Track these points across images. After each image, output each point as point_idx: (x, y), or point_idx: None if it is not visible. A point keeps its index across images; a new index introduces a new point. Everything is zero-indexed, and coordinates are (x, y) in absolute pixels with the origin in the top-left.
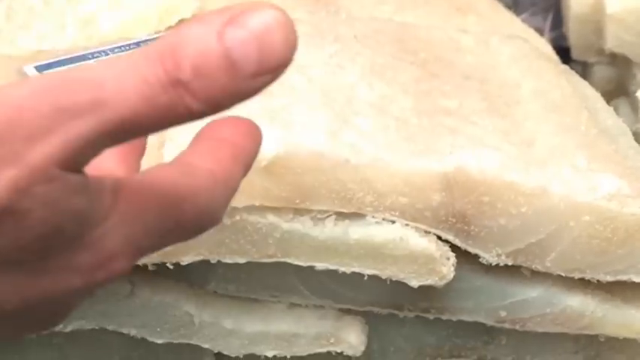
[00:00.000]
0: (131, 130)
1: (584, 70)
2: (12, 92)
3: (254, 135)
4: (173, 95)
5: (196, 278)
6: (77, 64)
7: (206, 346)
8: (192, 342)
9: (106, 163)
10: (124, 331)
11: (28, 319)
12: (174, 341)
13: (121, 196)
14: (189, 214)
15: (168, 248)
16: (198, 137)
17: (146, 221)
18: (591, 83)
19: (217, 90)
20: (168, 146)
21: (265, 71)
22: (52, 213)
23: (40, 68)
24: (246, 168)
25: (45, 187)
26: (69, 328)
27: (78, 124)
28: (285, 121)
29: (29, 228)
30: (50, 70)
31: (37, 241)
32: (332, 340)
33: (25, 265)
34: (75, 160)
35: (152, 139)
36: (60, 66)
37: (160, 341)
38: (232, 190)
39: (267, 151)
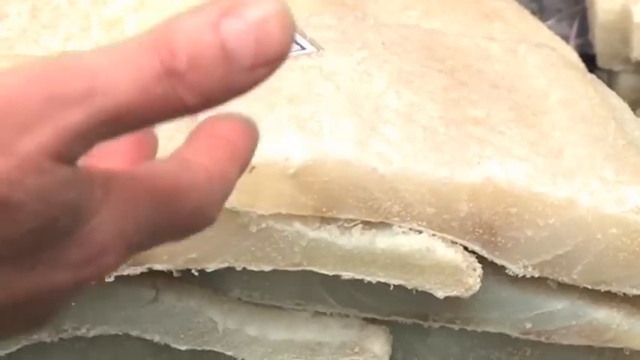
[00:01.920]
0: (125, 121)
1: (609, 78)
2: (1, 81)
3: (252, 134)
4: (168, 86)
5: (221, 285)
6: None
7: (229, 353)
8: (215, 349)
9: (113, 163)
10: (148, 337)
11: (14, 317)
12: (198, 348)
13: (112, 190)
14: (183, 212)
15: (193, 255)
16: (195, 133)
17: (138, 217)
18: (616, 92)
19: (213, 82)
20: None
21: (262, 64)
22: (44, 206)
23: None
24: (242, 168)
25: (37, 179)
26: (92, 334)
27: (70, 114)
28: (313, 129)
29: (21, 221)
30: None
31: (29, 236)
32: (356, 350)
33: (15, 260)
34: (67, 151)
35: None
36: None
37: (183, 348)
38: (228, 190)
39: (295, 159)
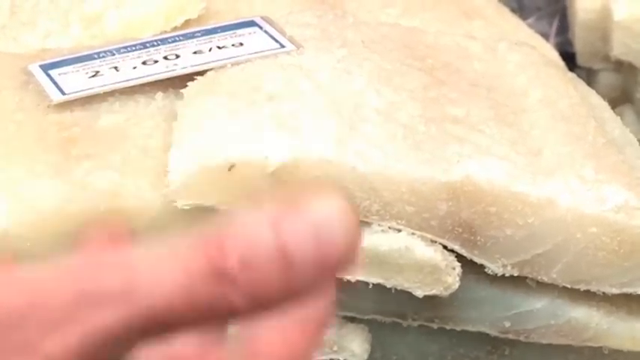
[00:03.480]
0: (163, 324)
1: (588, 76)
2: (33, 274)
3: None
4: (215, 288)
5: None
6: (83, 63)
7: None
8: None
9: None
10: None
11: None
12: None
13: None
14: None
15: None
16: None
17: None
18: (596, 90)
19: (266, 286)
20: (174, 150)
21: (323, 268)
22: None
23: (45, 67)
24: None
25: None
26: None
27: (103, 313)
28: (292, 128)
29: None
30: (56, 70)
31: None
32: (335, 348)
33: None
34: (97, 353)
35: (157, 143)
36: (65, 65)
37: None
38: None
39: (275, 158)
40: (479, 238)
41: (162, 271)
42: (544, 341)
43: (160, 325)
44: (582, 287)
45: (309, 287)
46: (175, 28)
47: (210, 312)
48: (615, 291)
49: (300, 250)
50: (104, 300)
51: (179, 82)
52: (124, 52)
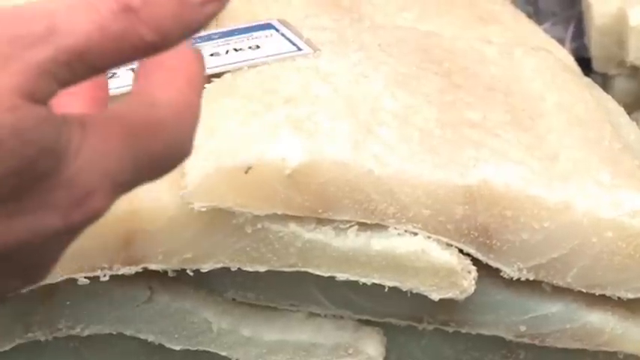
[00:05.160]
0: (87, 59)
1: (604, 81)
2: None
3: (199, 58)
4: (125, 22)
5: (216, 285)
6: None
7: (223, 353)
8: (209, 349)
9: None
10: (142, 336)
11: (9, 268)
12: (192, 348)
13: (89, 131)
14: (160, 145)
15: (189, 255)
16: (145, 68)
17: (119, 155)
18: (612, 95)
19: (167, 18)
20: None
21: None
22: (21, 143)
23: None
24: (202, 94)
25: (10, 116)
26: (86, 333)
27: (35, 52)
28: (309, 131)
29: (0, 161)
30: None
31: (10, 177)
32: (350, 351)
33: (1, 204)
34: (37, 88)
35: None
36: None
37: (177, 348)
38: (196, 119)
39: (292, 160)
40: (495, 241)
41: (76, 13)
42: (559, 345)
43: (83, 61)
44: (597, 292)
45: (202, 18)
46: None
47: (124, 46)
48: (630, 296)
49: None
50: (33, 41)
51: None
52: None
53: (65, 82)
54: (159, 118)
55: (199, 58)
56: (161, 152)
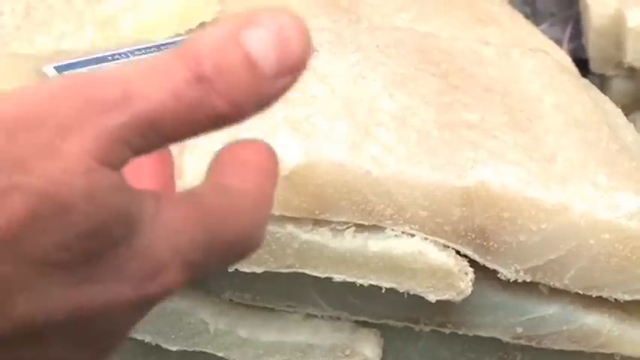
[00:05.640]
0: (161, 128)
1: (602, 82)
2: (44, 86)
3: (273, 154)
4: (199, 92)
5: (213, 286)
6: (97, 65)
7: (220, 354)
8: (206, 350)
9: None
10: (139, 337)
11: (83, 334)
12: (189, 349)
13: (163, 206)
14: (234, 234)
15: None
16: (220, 159)
17: (192, 234)
18: (609, 96)
19: (240, 89)
20: (187, 157)
21: (286, 70)
22: (95, 208)
23: (59, 69)
24: (275, 186)
25: (85, 180)
26: None
27: (110, 117)
28: (307, 132)
29: (74, 224)
30: (70, 71)
31: (83, 240)
32: (347, 352)
33: (73, 270)
34: (110, 155)
35: (171, 147)
36: (80, 67)
37: (174, 348)
38: (269, 211)
39: (289, 161)
40: (492, 243)
41: (152, 80)
42: (556, 347)
43: (158, 129)
44: (594, 294)
45: (276, 91)
46: (190, 31)
47: (198, 115)
48: (627, 298)
49: (263, 54)
50: (108, 105)
51: None
52: (139, 55)
53: (138, 150)
54: (234, 206)
55: (273, 152)
56: (233, 240)
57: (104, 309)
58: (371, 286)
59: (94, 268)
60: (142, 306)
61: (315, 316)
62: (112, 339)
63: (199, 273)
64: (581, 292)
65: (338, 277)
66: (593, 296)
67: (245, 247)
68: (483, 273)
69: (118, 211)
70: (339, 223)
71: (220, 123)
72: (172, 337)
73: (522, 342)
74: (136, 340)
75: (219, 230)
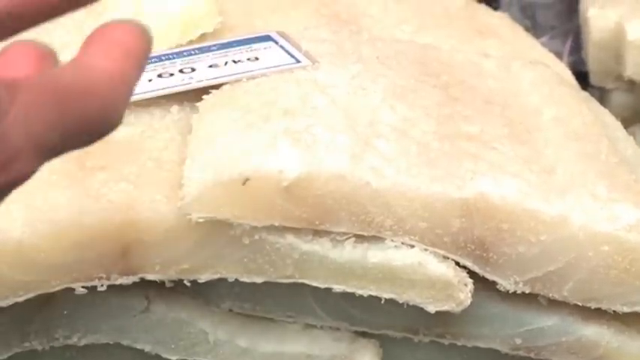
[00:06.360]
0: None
1: (602, 95)
2: None
3: (145, 35)
4: None
5: (212, 296)
6: None
7: None
8: None
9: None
10: (139, 346)
11: None
12: (189, 358)
13: (18, 94)
14: (89, 112)
15: (186, 265)
16: (88, 40)
17: (46, 117)
18: (609, 109)
19: None
20: (188, 167)
21: None
22: None
23: None
24: (141, 69)
25: None
26: (83, 342)
27: None
28: (307, 142)
29: None
30: None
31: None
32: None
33: None
34: None
35: (172, 155)
36: None
37: (174, 358)
38: (129, 89)
39: (289, 172)
40: (491, 254)
41: None
42: (554, 358)
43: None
44: (593, 305)
45: None
46: (191, 42)
47: None
48: (626, 309)
49: None
50: None
51: (194, 95)
52: None
53: None
54: (91, 86)
55: (143, 32)
56: (88, 119)
57: None
58: (370, 296)
59: None
60: None
61: (315, 327)
62: None
63: (55, 154)
64: (580, 304)
65: (338, 288)
66: (592, 308)
67: (100, 125)
68: (482, 284)
69: None
70: (339, 233)
71: None
72: (172, 346)
73: (521, 353)
74: (135, 349)
75: (74, 108)
